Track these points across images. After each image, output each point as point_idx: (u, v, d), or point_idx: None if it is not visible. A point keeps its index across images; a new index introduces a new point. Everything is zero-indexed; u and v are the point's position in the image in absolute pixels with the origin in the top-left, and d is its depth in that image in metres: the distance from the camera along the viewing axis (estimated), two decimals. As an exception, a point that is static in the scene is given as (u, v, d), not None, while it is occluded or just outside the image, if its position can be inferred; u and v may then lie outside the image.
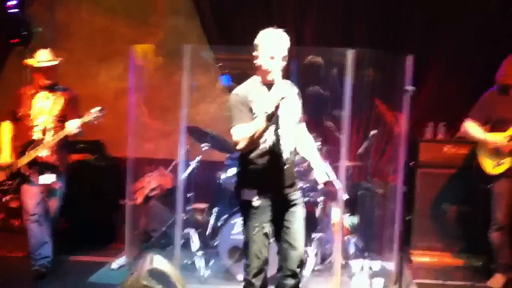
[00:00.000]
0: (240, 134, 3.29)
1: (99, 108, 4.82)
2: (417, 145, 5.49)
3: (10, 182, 4.86)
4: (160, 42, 6.53)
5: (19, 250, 5.35)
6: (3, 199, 5.87)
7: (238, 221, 4.65)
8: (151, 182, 6.11)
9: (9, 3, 6.23)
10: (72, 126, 4.73)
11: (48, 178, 4.77)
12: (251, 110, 3.35)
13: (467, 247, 5.37)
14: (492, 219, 4.61)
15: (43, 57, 4.88)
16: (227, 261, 4.66)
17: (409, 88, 4.18)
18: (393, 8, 5.99)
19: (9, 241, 5.69)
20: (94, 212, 5.99)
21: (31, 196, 4.74)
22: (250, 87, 3.44)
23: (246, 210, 3.44)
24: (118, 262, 5.06)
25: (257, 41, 3.41)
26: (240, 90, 3.46)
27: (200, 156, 5.16)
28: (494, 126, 4.61)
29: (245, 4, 6.23)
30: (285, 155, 3.43)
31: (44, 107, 4.86)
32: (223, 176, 5.05)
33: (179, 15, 6.60)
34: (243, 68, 6.15)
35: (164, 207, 5.83)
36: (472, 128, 4.66)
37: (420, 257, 5.36)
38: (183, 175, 4.84)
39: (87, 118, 4.76)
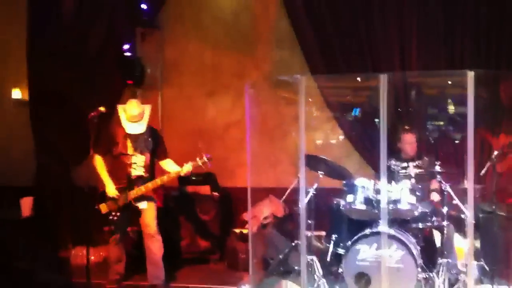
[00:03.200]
0: None
1: (209, 155, 5.22)
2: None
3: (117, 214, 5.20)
4: (266, 74, 6.69)
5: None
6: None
7: (362, 247, 4.66)
8: (263, 210, 6.23)
9: (125, 47, 6.64)
10: (186, 169, 5.18)
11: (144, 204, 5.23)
12: None
13: None
14: None
15: (132, 114, 5.14)
16: (353, 287, 4.65)
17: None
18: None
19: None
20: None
21: None
22: None
23: None
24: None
25: None
26: None
27: (316, 184, 5.20)
28: None
29: (347, 31, 6.27)
30: None
31: (138, 146, 5.24)
32: (342, 202, 5.06)
33: (283, 47, 6.74)
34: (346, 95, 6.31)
35: (279, 235, 5.91)
36: None
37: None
38: (304, 201, 4.88)
39: (198, 163, 5.17)
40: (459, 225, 5.08)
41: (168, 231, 5.73)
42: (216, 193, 6.47)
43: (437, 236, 5.23)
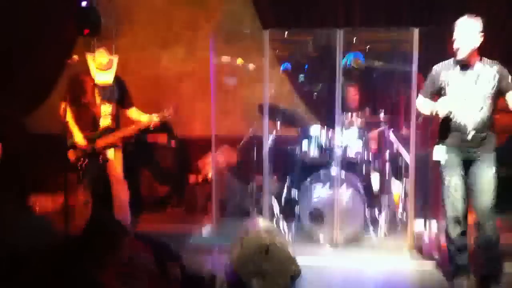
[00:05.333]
0: (418, 105, 4.27)
1: (175, 106, 5.53)
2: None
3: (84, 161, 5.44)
4: (217, 26, 6.95)
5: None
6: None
7: (317, 187, 5.21)
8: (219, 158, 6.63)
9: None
10: (150, 120, 5.45)
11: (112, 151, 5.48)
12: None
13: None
14: None
15: (101, 62, 5.30)
16: (308, 224, 5.21)
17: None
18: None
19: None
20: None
21: None
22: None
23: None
24: (206, 230, 5.62)
25: None
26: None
27: (274, 131, 5.66)
28: None
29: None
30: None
31: (105, 96, 5.42)
32: (298, 148, 5.56)
33: (234, 1, 7.03)
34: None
35: (235, 179, 6.37)
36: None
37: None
38: (267, 147, 5.35)
39: (164, 114, 5.47)
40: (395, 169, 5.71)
41: (128, 177, 5.99)
42: (173, 141, 6.79)
43: (375, 178, 5.87)
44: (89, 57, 5.38)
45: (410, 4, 6.28)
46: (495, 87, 4.01)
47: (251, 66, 6.50)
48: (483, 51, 4.11)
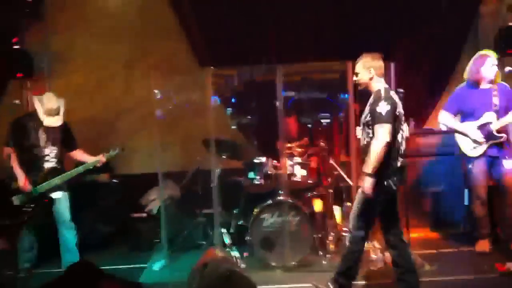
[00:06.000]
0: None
1: (122, 146, 5.71)
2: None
3: (32, 205, 5.36)
4: (154, 64, 7.03)
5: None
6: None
7: (266, 217, 5.41)
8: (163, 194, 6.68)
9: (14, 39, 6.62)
10: (102, 160, 5.60)
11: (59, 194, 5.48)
12: None
13: (444, 222, 6.40)
14: (474, 195, 5.57)
15: (50, 108, 5.32)
16: (260, 251, 5.39)
17: (400, 90, 5.11)
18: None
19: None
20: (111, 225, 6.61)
21: None
22: None
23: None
24: (157, 264, 5.66)
25: None
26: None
27: (221, 166, 5.84)
28: (466, 116, 5.60)
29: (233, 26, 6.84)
30: None
31: (49, 138, 5.43)
32: (243, 179, 5.78)
33: (170, 39, 7.17)
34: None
35: (180, 214, 6.44)
36: (448, 119, 5.64)
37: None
38: (215, 180, 5.51)
39: (111, 154, 5.63)
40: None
41: (74, 219, 5.92)
42: (115, 180, 6.78)
43: (318, 203, 6.15)
44: (35, 99, 5.36)
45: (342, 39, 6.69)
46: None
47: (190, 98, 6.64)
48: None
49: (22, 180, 5.31)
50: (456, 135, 5.64)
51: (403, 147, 4.44)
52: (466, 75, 5.64)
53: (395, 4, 6.49)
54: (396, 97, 4.43)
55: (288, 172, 5.63)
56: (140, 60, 7.20)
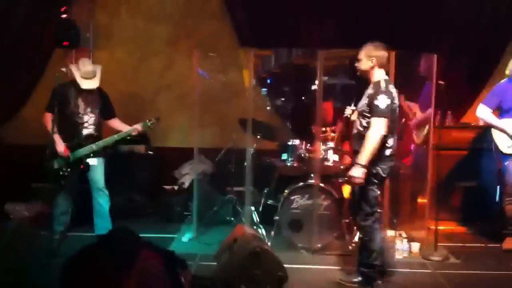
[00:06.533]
0: None
1: (157, 116, 5.73)
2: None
3: (68, 170, 5.52)
4: (196, 44, 7.11)
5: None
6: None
7: (296, 198, 5.48)
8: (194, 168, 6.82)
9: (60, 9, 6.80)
10: (138, 129, 5.65)
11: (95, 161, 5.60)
12: None
13: (474, 217, 6.37)
14: (507, 193, 5.55)
15: (86, 71, 5.43)
16: (287, 232, 5.47)
17: (440, 82, 5.13)
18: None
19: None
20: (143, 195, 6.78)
21: None
22: None
23: None
24: (186, 236, 5.81)
25: None
26: None
27: (255, 144, 5.93)
28: (506, 112, 5.55)
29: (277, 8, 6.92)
30: None
31: (88, 106, 5.57)
32: (277, 160, 5.86)
33: (214, 19, 7.28)
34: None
35: (211, 189, 6.58)
36: (487, 113, 5.59)
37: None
38: (249, 159, 5.62)
39: (147, 124, 5.67)
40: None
41: (108, 186, 6.09)
42: (151, 152, 6.95)
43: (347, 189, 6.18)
44: (73, 67, 5.50)
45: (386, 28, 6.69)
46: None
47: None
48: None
49: (60, 145, 5.47)
50: (493, 131, 5.59)
51: (394, 137, 4.50)
52: (508, 71, 5.59)
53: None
54: (394, 90, 4.47)
55: (321, 156, 5.68)
56: (183, 39, 7.32)
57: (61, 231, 5.73)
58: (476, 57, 6.83)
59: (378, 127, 4.29)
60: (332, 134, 5.97)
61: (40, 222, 6.13)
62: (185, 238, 5.81)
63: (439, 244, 5.45)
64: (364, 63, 4.53)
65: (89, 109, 5.60)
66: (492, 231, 5.99)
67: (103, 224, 5.66)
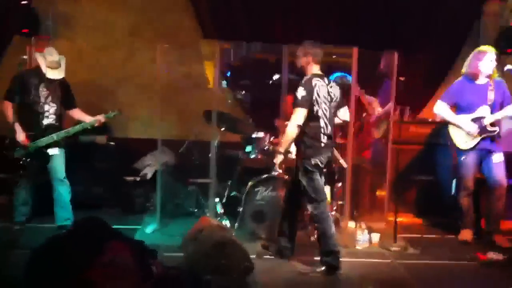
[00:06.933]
0: None
1: (119, 108, 5.77)
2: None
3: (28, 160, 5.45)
4: (157, 35, 7.07)
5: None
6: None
7: (260, 190, 5.54)
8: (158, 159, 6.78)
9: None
10: (100, 120, 5.67)
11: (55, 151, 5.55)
12: None
13: (430, 210, 6.61)
14: (462, 186, 5.76)
15: (52, 60, 5.39)
16: (250, 223, 5.54)
17: (400, 79, 5.31)
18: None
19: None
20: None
21: None
22: None
23: None
24: (150, 227, 5.80)
25: None
26: None
27: (219, 136, 5.96)
28: (462, 109, 5.76)
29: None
30: None
31: (49, 95, 5.51)
32: (240, 153, 5.91)
33: (176, 10, 7.22)
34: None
35: (174, 181, 6.56)
36: (444, 110, 5.78)
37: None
38: (214, 152, 5.65)
39: (110, 115, 5.71)
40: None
41: (68, 176, 6.00)
42: (112, 143, 6.88)
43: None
44: (38, 55, 5.41)
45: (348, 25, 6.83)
46: None
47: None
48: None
49: (21, 134, 5.37)
50: (450, 127, 5.79)
51: (329, 129, 4.79)
52: (464, 69, 5.79)
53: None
54: (320, 84, 4.75)
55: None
56: (145, 30, 7.24)
57: (22, 222, 5.65)
58: (434, 54, 7.03)
59: (294, 117, 4.69)
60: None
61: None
62: (149, 229, 5.78)
63: (398, 235, 5.61)
64: (301, 59, 4.88)
65: (50, 99, 5.52)
66: (448, 223, 6.22)
67: (64, 214, 5.62)
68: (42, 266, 3.17)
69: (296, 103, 4.69)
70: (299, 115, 4.67)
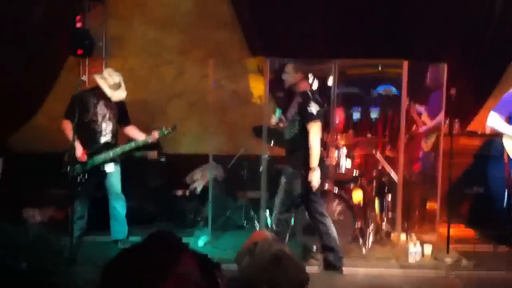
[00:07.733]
0: None
1: (174, 124, 5.82)
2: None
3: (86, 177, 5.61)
4: (207, 53, 7.26)
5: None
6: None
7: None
8: (206, 174, 6.92)
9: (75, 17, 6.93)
10: (154, 137, 5.77)
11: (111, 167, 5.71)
12: None
13: (481, 222, 6.51)
14: None
15: (112, 81, 5.57)
16: (302, 236, 5.60)
17: (452, 91, 5.29)
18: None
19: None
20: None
21: None
22: None
23: None
24: (201, 240, 5.93)
25: None
26: None
27: (268, 151, 6.04)
28: None
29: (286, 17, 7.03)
30: None
31: (106, 114, 5.70)
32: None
33: (223, 28, 7.42)
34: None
35: (224, 195, 6.68)
36: (498, 121, 5.70)
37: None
38: (265, 165, 5.74)
39: (164, 132, 5.78)
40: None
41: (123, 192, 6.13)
42: (163, 159, 7.05)
43: (357, 195, 6.30)
44: (97, 77, 5.62)
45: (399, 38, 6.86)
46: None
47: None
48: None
49: (79, 151, 5.56)
50: (504, 138, 5.72)
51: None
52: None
53: (451, 7, 6.61)
54: (318, 98, 5.07)
55: (334, 163, 5.81)
56: (194, 48, 7.45)
57: (78, 236, 5.82)
58: (483, 66, 6.97)
59: (315, 131, 4.92)
60: (343, 142, 6.10)
61: (53, 227, 6.21)
62: (201, 242, 5.89)
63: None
64: (292, 76, 5.12)
65: (107, 117, 5.70)
66: (500, 235, 6.12)
67: (120, 228, 5.77)
68: (116, 279, 3.26)
69: (312, 118, 4.91)
70: (319, 129, 4.95)
